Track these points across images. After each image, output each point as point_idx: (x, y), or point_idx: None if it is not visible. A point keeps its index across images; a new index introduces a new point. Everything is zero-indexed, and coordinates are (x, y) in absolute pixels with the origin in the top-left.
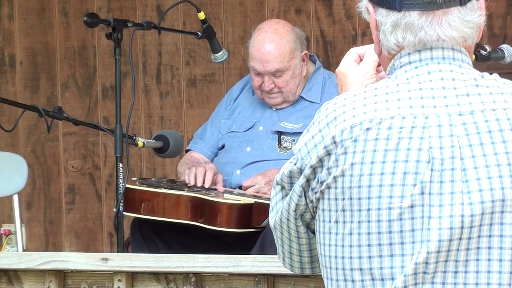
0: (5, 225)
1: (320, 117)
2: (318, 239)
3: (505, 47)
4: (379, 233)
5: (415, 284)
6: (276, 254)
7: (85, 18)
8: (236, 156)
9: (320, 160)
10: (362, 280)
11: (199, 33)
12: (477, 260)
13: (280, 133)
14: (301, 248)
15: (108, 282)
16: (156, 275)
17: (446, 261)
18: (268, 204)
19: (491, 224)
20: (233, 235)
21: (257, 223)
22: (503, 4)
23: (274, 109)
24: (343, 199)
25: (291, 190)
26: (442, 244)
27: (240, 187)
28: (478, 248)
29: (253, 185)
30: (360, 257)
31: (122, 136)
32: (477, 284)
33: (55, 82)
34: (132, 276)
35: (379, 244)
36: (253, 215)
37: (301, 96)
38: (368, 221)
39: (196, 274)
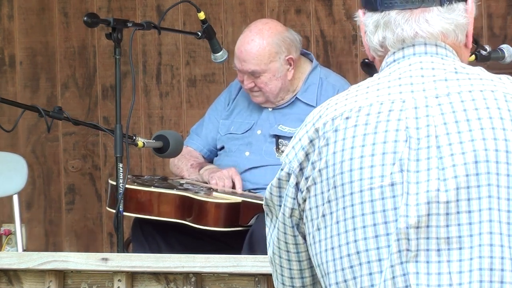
0: (5, 225)
1: (306, 120)
2: (309, 241)
3: (505, 47)
4: (363, 215)
5: (401, 263)
6: (267, 254)
7: (85, 18)
8: (235, 161)
9: (307, 155)
10: (351, 266)
11: (199, 33)
12: (459, 237)
13: (277, 137)
14: (302, 267)
15: (108, 282)
16: (156, 275)
17: (427, 238)
18: (256, 204)
19: (469, 200)
20: (233, 235)
21: (245, 222)
22: (503, 4)
23: (270, 109)
24: (328, 190)
25: (281, 201)
26: (421, 219)
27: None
28: (459, 224)
29: None
30: (347, 243)
31: (122, 136)
32: (460, 260)
33: (55, 82)
34: (132, 276)
35: (364, 226)
36: (240, 213)
37: (297, 98)
38: (352, 205)
39: (196, 274)
